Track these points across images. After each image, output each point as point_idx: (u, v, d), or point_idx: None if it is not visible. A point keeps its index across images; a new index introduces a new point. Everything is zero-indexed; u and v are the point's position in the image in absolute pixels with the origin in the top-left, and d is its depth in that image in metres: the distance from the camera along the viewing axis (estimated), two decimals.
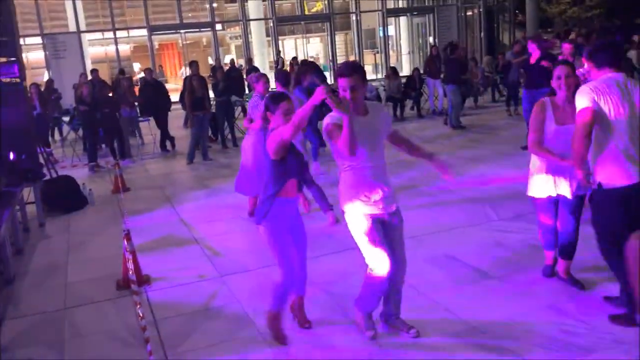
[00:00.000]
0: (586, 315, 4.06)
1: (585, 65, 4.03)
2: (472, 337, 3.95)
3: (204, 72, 14.66)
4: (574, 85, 4.18)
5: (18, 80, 8.01)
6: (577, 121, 3.74)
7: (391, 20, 26.64)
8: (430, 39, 25.37)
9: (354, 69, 3.61)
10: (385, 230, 3.76)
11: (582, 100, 3.72)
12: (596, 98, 3.68)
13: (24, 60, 8.50)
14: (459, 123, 12.28)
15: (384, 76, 17.78)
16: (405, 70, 23.34)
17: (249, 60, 19.02)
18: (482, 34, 26.49)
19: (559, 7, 38.57)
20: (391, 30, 27.32)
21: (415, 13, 27.05)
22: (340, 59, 25.71)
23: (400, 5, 27.50)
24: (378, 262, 3.68)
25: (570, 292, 4.41)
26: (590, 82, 3.85)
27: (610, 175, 3.75)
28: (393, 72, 14.99)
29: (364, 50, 25.64)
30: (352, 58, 26.66)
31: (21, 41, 9.31)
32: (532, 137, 4.28)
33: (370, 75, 23.59)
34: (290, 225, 3.95)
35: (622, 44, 10.00)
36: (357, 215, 3.69)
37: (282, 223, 3.88)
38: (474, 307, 4.36)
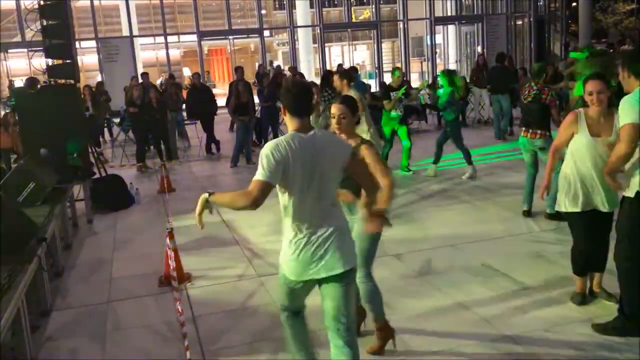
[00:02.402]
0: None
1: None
2: (507, 347, 3.92)
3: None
4: (607, 99, 4.09)
5: (72, 82, 8.27)
6: (622, 136, 3.66)
7: (439, 28, 26.46)
8: (479, 48, 25.10)
9: None
10: None
11: (627, 114, 3.62)
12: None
13: (79, 62, 8.74)
14: (501, 134, 12.19)
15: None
16: None
17: (292, 69, 19.12)
18: (532, 43, 26.06)
19: (614, 18, 37.64)
20: (439, 39, 27.14)
21: (463, 22, 26.80)
22: (387, 67, 25.69)
23: (449, 14, 27.31)
24: None
25: (611, 307, 4.33)
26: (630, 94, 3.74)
27: None
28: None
29: (411, 58, 25.55)
30: (398, 66, 26.61)
31: (77, 44, 9.63)
32: (556, 143, 4.38)
33: (416, 84, 23.46)
34: None
35: None
36: None
37: None
38: (509, 316, 4.33)
